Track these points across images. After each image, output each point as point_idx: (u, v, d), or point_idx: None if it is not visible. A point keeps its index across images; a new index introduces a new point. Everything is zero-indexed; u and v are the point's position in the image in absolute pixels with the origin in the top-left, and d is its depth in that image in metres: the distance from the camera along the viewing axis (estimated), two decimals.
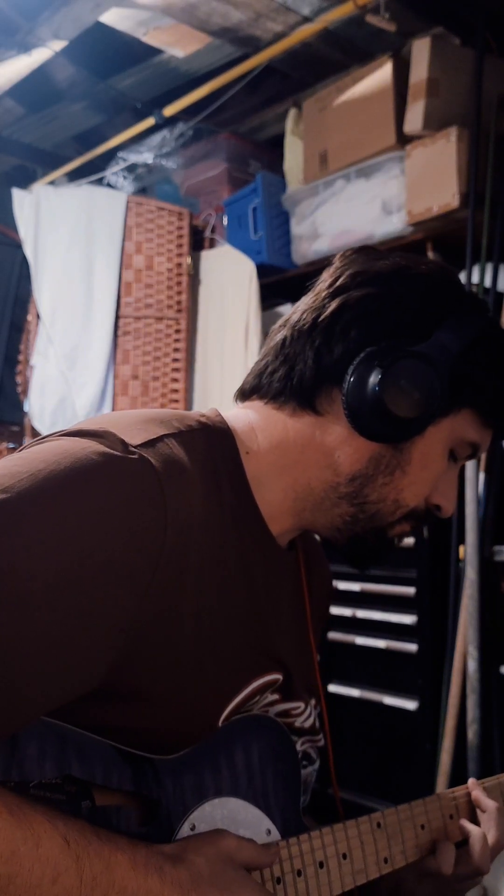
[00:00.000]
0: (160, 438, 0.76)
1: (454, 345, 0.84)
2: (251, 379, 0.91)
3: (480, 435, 0.90)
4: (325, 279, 0.89)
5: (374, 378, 0.81)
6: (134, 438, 0.74)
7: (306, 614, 0.96)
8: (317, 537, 1.03)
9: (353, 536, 0.89)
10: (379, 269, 0.87)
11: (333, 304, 0.86)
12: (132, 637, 0.71)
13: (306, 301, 0.89)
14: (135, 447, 0.73)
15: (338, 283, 0.87)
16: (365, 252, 0.91)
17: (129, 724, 0.74)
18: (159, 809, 0.73)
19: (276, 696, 0.89)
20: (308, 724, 0.94)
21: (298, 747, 0.93)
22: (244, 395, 0.92)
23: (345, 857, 0.83)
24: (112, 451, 0.71)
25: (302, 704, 0.92)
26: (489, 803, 0.96)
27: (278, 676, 0.87)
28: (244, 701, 0.83)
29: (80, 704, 0.70)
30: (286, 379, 0.87)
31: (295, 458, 0.87)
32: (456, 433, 0.88)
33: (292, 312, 0.90)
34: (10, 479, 0.67)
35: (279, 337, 0.89)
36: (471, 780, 1.00)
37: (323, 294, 0.87)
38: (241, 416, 0.89)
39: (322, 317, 0.86)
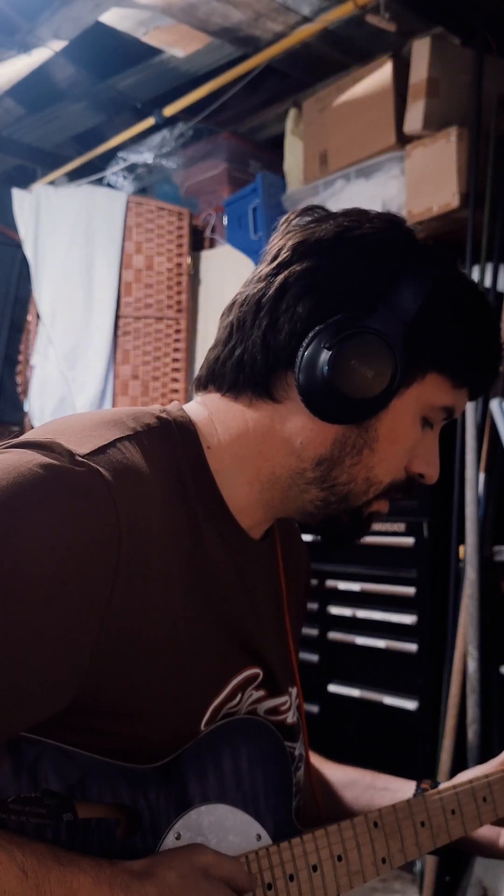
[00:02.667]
0: (112, 444, 0.73)
1: (409, 309, 0.79)
2: (205, 369, 0.86)
3: (452, 397, 0.84)
4: (269, 252, 0.84)
5: (323, 359, 0.77)
6: (82, 447, 0.70)
7: (283, 602, 0.94)
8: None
9: (326, 518, 0.85)
10: (320, 235, 0.81)
11: (277, 281, 0.80)
12: (101, 652, 0.69)
13: (251, 279, 0.84)
14: (83, 457, 0.69)
15: (280, 258, 0.82)
16: (310, 214, 0.85)
17: (108, 738, 0.72)
18: (142, 820, 0.72)
19: (261, 693, 0.87)
20: (295, 719, 0.92)
21: (298, 752, 0.92)
22: (201, 385, 0.87)
23: (340, 858, 0.81)
24: (58, 464, 0.68)
25: (287, 699, 0.91)
26: None
27: (257, 671, 0.85)
28: (226, 700, 0.81)
29: (56, 722, 0.68)
30: (238, 368, 0.82)
31: (257, 448, 0.83)
32: (425, 400, 0.83)
33: (239, 293, 0.85)
34: None
35: (228, 321, 0.84)
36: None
37: (266, 270, 0.82)
38: (201, 409, 0.85)
39: (266, 296, 0.80)
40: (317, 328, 0.78)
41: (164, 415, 0.82)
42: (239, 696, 0.84)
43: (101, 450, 0.71)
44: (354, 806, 1.03)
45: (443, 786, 1.00)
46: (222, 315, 0.87)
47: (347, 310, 0.79)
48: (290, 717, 0.91)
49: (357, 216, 0.83)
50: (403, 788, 1.02)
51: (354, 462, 0.82)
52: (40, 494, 0.66)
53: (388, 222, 0.84)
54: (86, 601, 0.67)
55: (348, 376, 0.77)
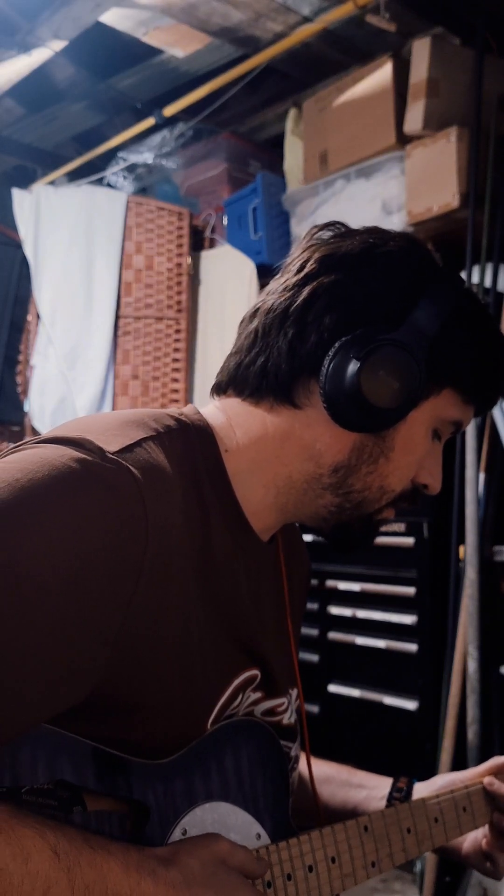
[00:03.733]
0: (138, 443, 0.74)
1: (430, 327, 0.82)
2: (226, 373, 0.88)
3: (462, 412, 0.88)
4: (294, 263, 0.86)
5: (352, 369, 0.79)
6: (111, 444, 0.72)
7: (285, 605, 0.95)
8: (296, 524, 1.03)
9: (338, 524, 0.87)
10: (347, 249, 0.84)
11: (305, 292, 0.83)
12: (119, 647, 0.70)
13: (275, 288, 0.87)
14: (113, 454, 0.71)
15: (306, 269, 0.84)
16: (333, 229, 0.88)
17: (119, 731, 0.73)
18: (150, 814, 0.73)
19: (258, 695, 0.88)
20: (293, 720, 0.93)
21: (294, 752, 0.93)
22: (220, 390, 0.89)
23: (333, 860, 0.83)
24: (91, 459, 0.69)
25: (284, 700, 0.92)
26: None
27: (256, 672, 0.87)
28: (229, 701, 0.83)
29: (70, 715, 0.69)
30: (261, 374, 0.84)
31: (275, 452, 0.85)
32: (437, 413, 0.86)
33: (262, 300, 0.87)
34: None
35: (251, 328, 0.86)
36: (487, 780, 1.02)
37: (293, 281, 0.85)
38: (219, 413, 0.87)
39: (294, 306, 0.83)
40: (343, 339, 0.81)
41: (182, 417, 0.83)
42: (239, 697, 0.85)
43: (129, 448, 0.73)
44: (330, 802, 1.05)
45: (419, 786, 1.03)
46: (242, 322, 0.89)
47: (373, 323, 0.82)
48: (287, 719, 0.92)
49: (380, 234, 0.87)
50: (380, 786, 1.04)
51: (370, 470, 0.84)
52: (74, 488, 0.67)
53: (410, 242, 0.87)
54: (112, 594, 0.68)
55: (376, 386, 0.79)
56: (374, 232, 0.87)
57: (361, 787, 1.05)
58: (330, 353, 0.81)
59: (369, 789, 1.04)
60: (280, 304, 0.84)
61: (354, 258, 0.84)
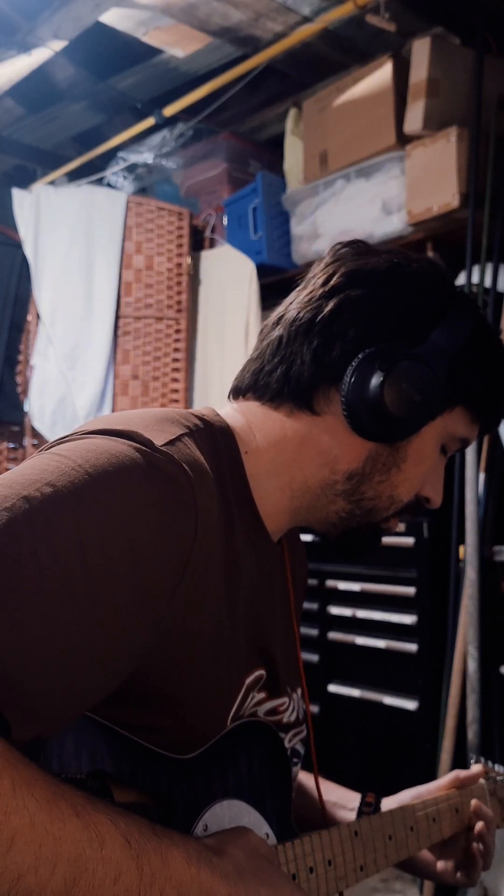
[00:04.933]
0: (179, 438, 0.76)
1: (449, 346, 0.86)
2: (248, 378, 0.91)
3: (469, 430, 0.92)
4: (319, 276, 0.89)
5: (375, 380, 0.83)
6: (157, 438, 0.74)
7: (291, 606, 0.97)
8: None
9: (346, 530, 0.91)
10: (373, 266, 0.88)
11: (331, 304, 0.86)
12: (160, 633, 0.71)
13: (301, 299, 0.89)
14: (161, 447, 0.73)
15: (332, 282, 0.87)
16: (356, 247, 0.92)
17: (150, 722, 0.75)
18: (175, 809, 0.74)
19: (262, 695, 0.89)
20: (293, 718, 0.95)
21: (287, 744, 0.94)
22: (238, 393, 0.92)
23: (330, 863, 0.84)
24: (148, 451, 0.71)
25: (287, 700, 0.93)
26: (487, 813, 1.03)
27: (262, 672, 0.88)
28: (243, 699, 0.84)
29: (105, 703, 0.70)
30: (284, 379, 0.87)
31: (292, 456, 0.87)
32: (448, 430, 0.90)
33: (285, 310, 0.90)
34: (51, 475, 0.66)
35: (275, 335, 0.89)
36: (475, 803, 1.07)
37: (318, 293, 0.87)
38: (238, 415, 0.89)
39: (320, 316, 0.86)
40: (367, 350, 0.84)
41: (206, 418, 0.85)
42: (250, 696, 0.86)
43: (172, 442, 0.74)
44: (300, 811, 1.05)
45: (387, 801, 1.06)
46: (263, 329, 0.92)
47: (396, 338, 0.85)
48: (287, 717, 0.94)
49: (405, 255, 0.90)
50: (346, 797, 1.08)
51: (382, 479, 0.88)
52: (136, 475, 0.68)
53: (433, 265, 0.91)
54: (164, 581, 0.69)
55: (397, 397, 0.83)
56: (399, 253, 0.91)
57: (331, 798, 1.08)
58: (353, 363, 0.84)
59: (333, 802, 1.08)
60: (305, 314, 0.87)
61: (380, 275, 0.87)
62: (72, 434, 0.75)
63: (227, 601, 0.80)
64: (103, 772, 0.72)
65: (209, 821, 0.77)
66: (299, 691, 0.97)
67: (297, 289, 0.92)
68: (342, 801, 1.08)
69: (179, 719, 0.76)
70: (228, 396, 0.94)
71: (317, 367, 0.86)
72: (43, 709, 0.61)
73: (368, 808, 1.05)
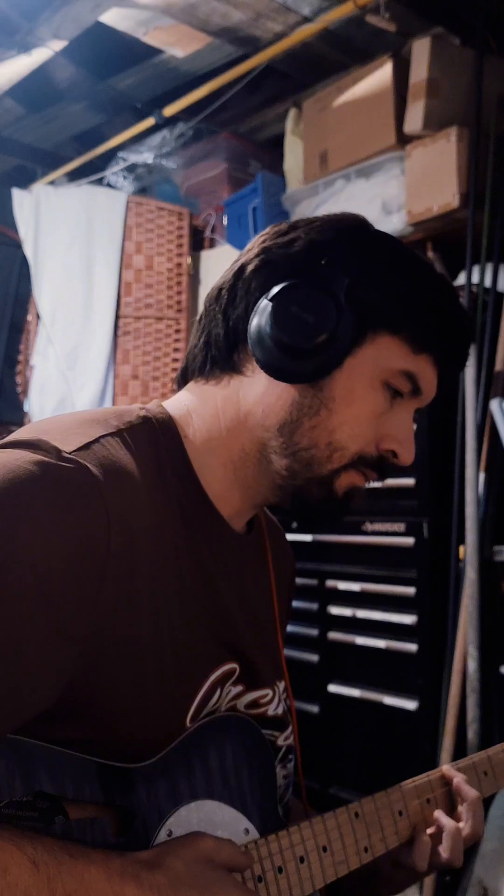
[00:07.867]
0: (96, 440, 0.75)
1: (349, 266, 0.82)
2: (183, 363, 0.92)
3: (413, 363, 0.84)
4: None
5: (265, 311, 0.81)
6: (68, 444, 0.72)
7: (272, 596, 0.95)
8: (275, 519, 1.04)
9: (296, 491, 0.85)
10: (277, 230, 0.88)
11: (234, 267, 0.88)
12: (89, 646, 0.70)
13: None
14: (69, 453, 0.71)
15: (243, 258, 0.88)
16: (278, 228, 0.90)
17: (96, 736, 0.73)
18: (134, 819, 0.73)
19: (239, 688, 0.88)
20: (280, 711, 0.93)
21: (281, 742, 0.93)
22: (182, 380, 0.92)
23: (325, 849, 0.83)
24: (47, 460, 0.69)
25: (269, 692, 0.91)
26: (470, 793, 0.95)
27: (234, 666, 0.86)
28: (207, 696, 0.82)
29: (44, 721, 0.69)
30: (206, 349, 0.88)
31: (226, 427, 0.86)
32: (381, 363, 0.83)
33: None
34: None
35: (197, 317, 0.91)
36: (445, 767, 0.99)
37: (230, 270, 0.89)
38: (179, 403, 0.89)
39: (225, 282, 0.88)
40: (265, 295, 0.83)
41: (144, 412, 0.85)
42: (218, 692, 0.84)
43: (87, 446, 0.73)
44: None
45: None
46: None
47: (294, 277, 0.82)
48: (273, 710, 0.92)
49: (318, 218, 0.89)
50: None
51: (314, 424, 0.83)
52: (34, 491, 0.67)
53: (343, 213, 0.89)
54: (77, 595, 0.68)
55: (290, 324, 0.80)
56: (314, 219, 0.89)
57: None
58: (254, 310, 0.83)
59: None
60: (215, 286, 0.89)
61: (282, 234, 0.87)
62: None
63: (177, 600, 0.78)
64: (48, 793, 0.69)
65: (174, 825, 0.75)
66: (282, 685, 0.95)
67: None
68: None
69: (128, 728, 0.74)
70: (174, 388, 0.94)
71: (227, 325, 0.85)
72: None
73: None
